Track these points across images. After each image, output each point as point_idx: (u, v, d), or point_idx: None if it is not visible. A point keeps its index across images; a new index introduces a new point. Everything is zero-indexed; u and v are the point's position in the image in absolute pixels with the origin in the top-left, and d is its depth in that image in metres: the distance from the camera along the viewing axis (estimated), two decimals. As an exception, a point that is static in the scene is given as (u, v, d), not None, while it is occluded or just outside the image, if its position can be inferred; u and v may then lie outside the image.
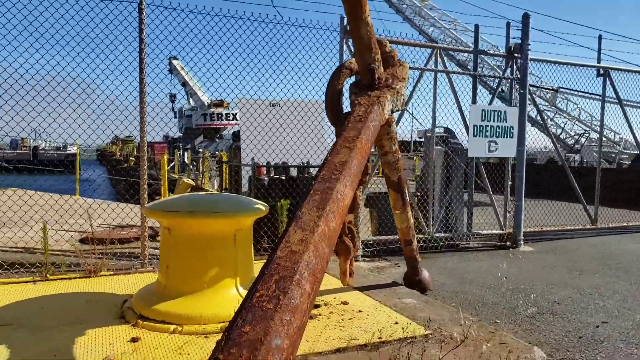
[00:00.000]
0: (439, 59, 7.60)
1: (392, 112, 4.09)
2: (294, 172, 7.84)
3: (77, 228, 7.15)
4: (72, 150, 37.01)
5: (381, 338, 3.68)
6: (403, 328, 3.87)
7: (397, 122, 7.45)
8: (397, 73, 4.31)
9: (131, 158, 40.67)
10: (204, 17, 6.16)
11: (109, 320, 3.91)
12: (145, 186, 5.64)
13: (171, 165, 28.30)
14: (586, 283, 6.01)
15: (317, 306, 4.42)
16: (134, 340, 3.51)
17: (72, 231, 6.92)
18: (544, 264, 7.03)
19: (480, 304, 5.11)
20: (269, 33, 6.58)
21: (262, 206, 4.24)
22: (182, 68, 48.09)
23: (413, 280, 5.30)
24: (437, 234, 7.75)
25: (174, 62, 47.12)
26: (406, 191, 4.82)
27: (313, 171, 7.87)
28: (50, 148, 49.86)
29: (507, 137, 8.02)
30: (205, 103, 43.21)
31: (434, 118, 7.67)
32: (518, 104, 8.27)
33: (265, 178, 7.42)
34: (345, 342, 3.58)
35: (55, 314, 3.99)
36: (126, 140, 50.26)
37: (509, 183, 8.43)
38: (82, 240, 6.77)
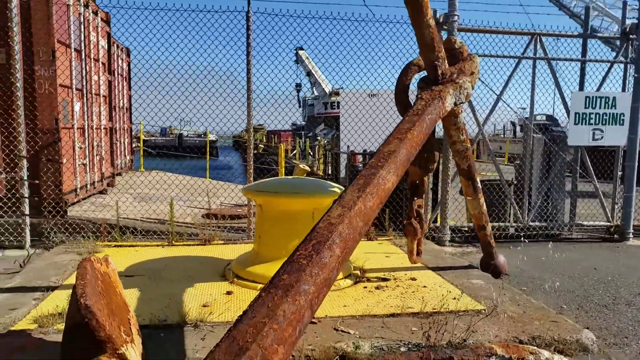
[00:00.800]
0: (539, 46, 7.49)
1: (456, 104, 4.41)
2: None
3: (204, 205, 8.43)
4: (212, 137, 40.90)
5: (434, 309, 4.10)
6: (459, 302, 4.25)
7: (492, 109, 7.53)
8: (464, 68, 4.60)
9: (260, 145, 43.54)
10: (304, 20, 6.93)
11: (213, 277, 4.84)
12: (252, 170, 6.56)
13: (294, 152, 30.06)
14: (688, 279, 5.70)
15: (386, 280, 4.94)
16: (228, 293, 4.37)
17: (197, 207, 8.17)
18: (648, 259, 6.70)
19: (554, 290, 5.20)
20: (361, 30, 7.12)
21: (337, 189, 4.85)
22: (307, 58, 50.07)
23: (488, 265, 5.51)
24: (532, 223, 7.71)
25: (300, 52, 49.21)
26: (477, 179, 5.08)
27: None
28: (193, 135, 55.15)
29: (616, 124, 7.65)
30: (327, 92, 44.69)
31: (531, 107, 7.60)
32: (632, 90, 7.82)
33: (360, 165, 7.99)
34: (400, 309, 4.08)
35: (175, 271, 5.02)
36: (257, 128, 53.80)
37: (619, 173, 8.01)
38: (205, 216, 7.98)
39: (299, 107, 47.54)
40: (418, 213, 4.76)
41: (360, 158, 8.35)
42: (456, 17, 7.02)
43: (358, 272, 5.11)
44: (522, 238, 7.45)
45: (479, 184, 5.12)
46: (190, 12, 6.91)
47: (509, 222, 7.83)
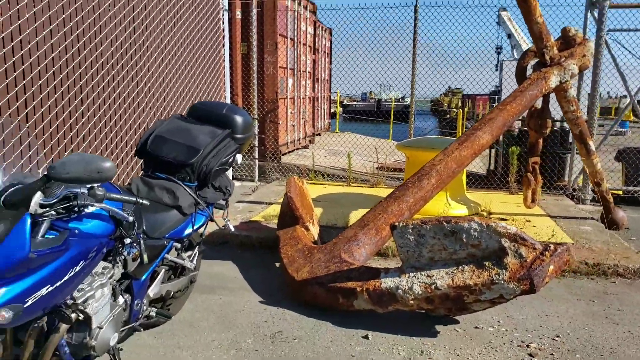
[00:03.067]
0: None
1: (561, 82, 5.51)
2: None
3: (378, 160, 10.49)
4: (409, 102, 42.45)
5: (527, 238, 5.43)
6: (552, 237, 5.49)
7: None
8: (575, 52, 5.64)
9: (453, 110, 43.75)
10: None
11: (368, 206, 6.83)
12: (412, 132, 8.32)
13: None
14: None
15: (504, 219, 6.31)
16: (379, 215, 6.33)
17: (372, 162, 10.29)
18: None
19: (661, 242, 5.92)
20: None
21: (467, 147, 6.34)
22: (510, 19, 47.62)
23: (605, 217, 6.40)
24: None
25: (502, 13, 47.04)
26: (590, 142, 6.02)
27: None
28: (390, 100, 57.46)
29: None
30: (529, 54, 42.40)
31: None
32: None
33: (516, 130, 9.08)
34: (499, 235, 5.51)
35: (347, 200, 7.17)
36: (455, 92, 53.55)
37: None
38: (377, 168, 10.04)
39: (496, 70, 46.03)
40: (533, 168, 6.08)
41: (517, 124, 9.36)
42: (609, -6, 7.53)
43: (484, 213, 6.57)
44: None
45: (592, 147, 6.05)
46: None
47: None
